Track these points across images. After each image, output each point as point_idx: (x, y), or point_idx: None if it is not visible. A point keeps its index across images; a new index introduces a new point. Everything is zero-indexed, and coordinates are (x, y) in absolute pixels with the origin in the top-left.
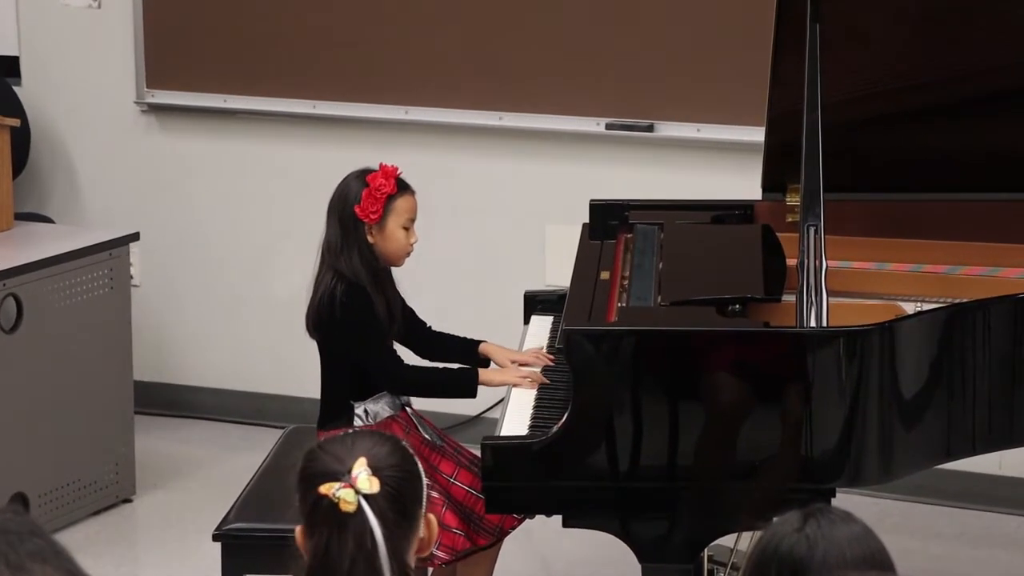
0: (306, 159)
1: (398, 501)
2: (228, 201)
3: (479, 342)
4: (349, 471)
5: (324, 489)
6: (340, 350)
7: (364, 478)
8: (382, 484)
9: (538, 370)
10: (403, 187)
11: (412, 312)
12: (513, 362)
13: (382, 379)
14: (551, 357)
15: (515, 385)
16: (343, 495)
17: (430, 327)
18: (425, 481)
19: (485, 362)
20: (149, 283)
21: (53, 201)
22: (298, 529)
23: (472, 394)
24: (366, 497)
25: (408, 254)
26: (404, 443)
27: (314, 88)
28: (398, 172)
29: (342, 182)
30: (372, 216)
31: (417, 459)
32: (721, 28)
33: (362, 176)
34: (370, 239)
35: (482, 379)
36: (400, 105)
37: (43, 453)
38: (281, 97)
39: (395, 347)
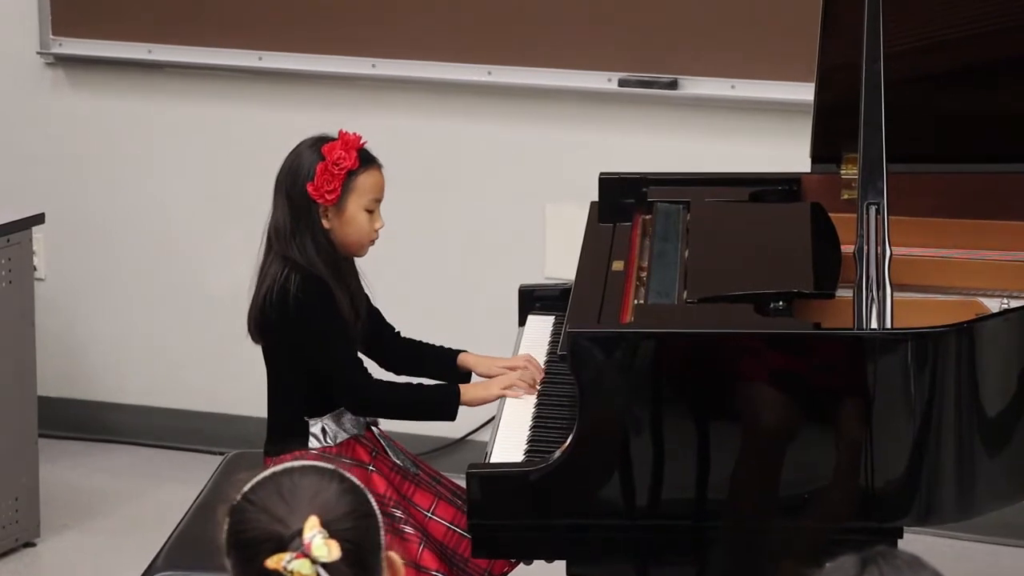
0: (250, 123)
1: (358, 556)
2: (154, 175)
3: (458, 352)
4: (299, 534)
5: (272, 563)
6: (294, 356)
7: (320, 543)
8: (340, 545)
9: (533, 375)
10: (367, 160)
11: (378, 314)
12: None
13: (344, 396)
14: (542, 367)
15: (502, 395)
16: (296, 567)
17: (399, 333)
18: (380, 518)
19: (466, 376)
20: (56, 276)
21: None
22: None
23: (451, 416)
24: (324, 566)
25: (372, 242)
26: (348, 474)
27: (260, 36)
28: (361, 142)
29: (292, 152)
30: (328, 196)
31: (368, 492)
32: None
33: (317, 146)
34: (325, 224)
35: (464, 399)
36: (366, 57)
37: None
38: (219, 47)
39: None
